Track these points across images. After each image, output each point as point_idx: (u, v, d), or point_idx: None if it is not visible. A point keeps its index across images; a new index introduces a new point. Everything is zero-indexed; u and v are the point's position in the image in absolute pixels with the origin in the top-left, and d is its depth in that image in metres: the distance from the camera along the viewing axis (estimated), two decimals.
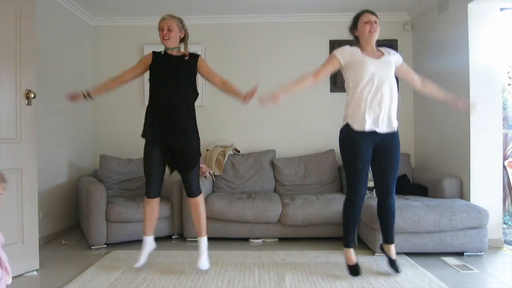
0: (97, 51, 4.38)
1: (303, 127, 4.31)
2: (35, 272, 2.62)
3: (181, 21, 2.63)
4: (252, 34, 4.33)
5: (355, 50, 2.41)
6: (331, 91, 4.28)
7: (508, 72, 4.51)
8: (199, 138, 2.66)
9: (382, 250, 2.65)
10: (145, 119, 2.66)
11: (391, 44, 4.03)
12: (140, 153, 4.10)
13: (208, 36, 4.31)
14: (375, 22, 2.39)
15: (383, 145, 2.42)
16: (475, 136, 3.19)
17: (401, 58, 2.51)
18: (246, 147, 4.22)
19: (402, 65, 2.51)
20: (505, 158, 3.88)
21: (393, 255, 2.56)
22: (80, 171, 4.02)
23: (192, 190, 2.60)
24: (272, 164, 4.07)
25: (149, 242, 2.69)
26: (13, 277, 2.50)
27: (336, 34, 4.22)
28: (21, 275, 2.57)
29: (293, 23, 4.30)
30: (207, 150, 4.06)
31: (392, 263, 2.55)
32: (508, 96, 4.61)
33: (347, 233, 2.54)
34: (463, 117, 3.27)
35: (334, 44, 4.18)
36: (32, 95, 2.61)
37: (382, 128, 2.37)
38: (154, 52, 2.65)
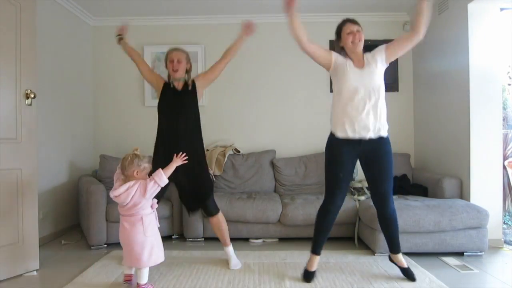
0: (97, 51, 4.37)
1: (303, 127, 4.31)
2: (35, 272, 2.62)
3: (188, 54, 2.70)
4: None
5: (344, 60, 2.38)
6: (331, 91, 4.25)
7: (508, 72, 4.51)
8: (206, 163, 2.72)
9: (391, 261, 2.56)
10: (155, 148, 2.67)
11: None
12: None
13: (208, 36, 4.31)
14: (358, 31, 2.36)
15: (371, 154, 2.36)
16: (475, 136, 3.18)
17: (383, 47, 2.39)
18: (246, 147, 4.22)
19: (388, 48, 2.39)
20: (505, 158, 3.89)
21: (404, 263, 2.48)
22: (80, 171, 4.02)
23: (210, 212, 2.67)
24: (272, 164, 4.07)
25: None
26: (13, 277, 2.52)
27: None
28: (21, 275, 2.56)
29: None
30: (207, 150, 4.06)
31: (405, 272, 2.46)
32: (508, 96, 4.62)
33: (317, 239, 2.48)
34: (463, 117, 3.28)
35: (334, 44, 4.18)
36: (32, 95, 2.61)
37: (366, 136, 2.31)
38: (165, 83, 2.69)
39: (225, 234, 2.71)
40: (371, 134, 2.31)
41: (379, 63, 2.36)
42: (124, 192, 2.18)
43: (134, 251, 2.20)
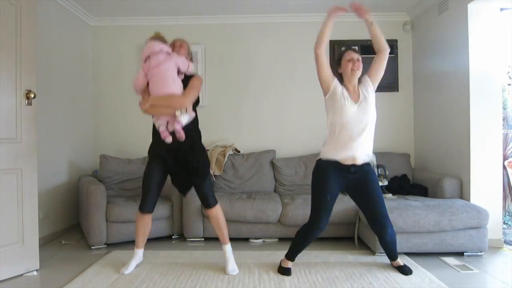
0: (97, 51, 4.37)
1: (303, 127, 4.31)
2: (35, 272, 2.62)
3: (190, 48, 2.74)
4: (252, 34, 4.32)
5: (341, 91, 2.42)
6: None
7: (508, 72, 4.51)
8: (204, 149, 2.69)
9: (392, 265, 2.67)
10: (153, 136, 2.63)
11: (391, 44, 4.02)
12: (140, 153, 4.14)
13: (208, 36, 4.31)
14: (358, 60, 2.42)
15: (359, 180, 2.44)
16: (475, 136, 3.19)
17: (367, 78, 2.48)
18: (246, 147, 4.22)
19: (371, 76, 2.48)
20: (505, 158, 3.89)
21: (400, 263, 2.62)
22: (80, 171, 4.02)
23: (208, 202, 2.63)
24: (272, 164, 4.07)
25: (140, 255, 2.73)
26: (13, 277, 2.52)
27: (336, 34, 4.19)
28: (21, 275, 2.56)
29: (293, 23, 4.30)
30: (207, 150, 4.06)
31: (401, 269, 2.58)
32: (508, 96, 4.62)
33: (295, 250, 2.59)
34: (463, 117, 3.28)
35: (334, 45, 4.19)
36: (32, 95, 2.61)
37: (353, 163, 2.39)
38: None
39: (224, 230, 2.65)
40: (360, 161, 2.40)
41: (371, 93, 2.45)
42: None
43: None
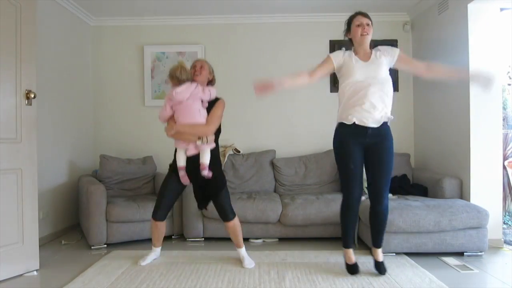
0: (97, 51, 4.37)
1: (303, 127, 4.31)
2: (35, 272, 2.62)
3: (211, 67, 2.83)
4: (252, 34, 4.33)
5: (348, 54, 2.44)
6: (331, 91, 4.27)
7: (508, 72, 4.51)
8: (221, 165, 2.83)
9: (371, 252, 2.64)
10: (175, 155, 2.77)
11: (391, 44, 4.02)
12: (140, 153, 4.15)
13: (208, 36, 4.31)
14: (368, 24, 2.41)
15: (375, 146, 2.42)
16: (475, 136, 3.18)
17: (397, 53, 2.45)
18: (246, 147, 4.22)
19: (400, 58, 2.46)
20: (505, 158, 3.89)
21: (380, 257, 2.56)
22: (80, 171, 4.02)
23: (226, 215, 2.72)
24: (272, 164, 4.07)
25: (157, 252, 2.89)
26: (13, 277, 2.52)
27: (336, 34, 4.19)
28: (21, 275, 2.56)
29: (293, 23, 4.30)
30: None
31: (377, 265, 2.55)
32: (508, 96, 4.62)
33: (346, 234, 2.56)
34: (463, 117, 3.28)
35: (334, 44, 4.19)
36: (32, 95, 2.61)
37: (370, 125, 2.36)
38: None
39: (240, 238, 2.78)
40: (375, 124, 2.36)
41: (387, 59, 2.42)
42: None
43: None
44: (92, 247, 3.18)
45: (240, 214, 3.29)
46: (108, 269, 2.66)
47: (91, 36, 4.35)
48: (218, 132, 2.73)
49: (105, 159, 3.81)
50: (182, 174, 2.64)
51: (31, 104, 2.62)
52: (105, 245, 3.22)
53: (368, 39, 2.41)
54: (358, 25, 2.40)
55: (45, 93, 3.30)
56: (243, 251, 2.78)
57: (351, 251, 2.56)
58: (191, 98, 2.57)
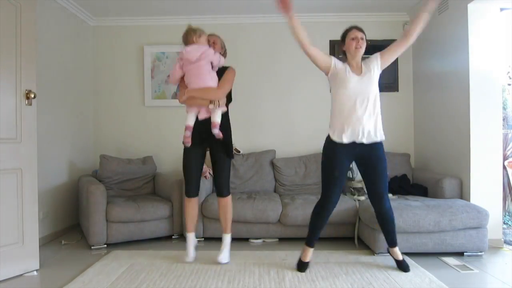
0: (97, 51, 4.37)
1: (303, 127, 4.31)
2: (35, 272, 2.62)
3: (223, 42, 2.88)
4: (252, 34, 4.33)
5: (343, 66, 2.50)
6: (331, 91, 4.26)
7: (508, 72, 4.51)
8: (231, 134, 2.84)
9: (389, 253, 2.71)
10: None
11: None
12: (140, 153, 4.15)
13: None
14: (362, 38, 2.48)
15: (366, 158, 2.51)
16: (475, 136, 3.18)
17: (377, 55, 2.53)
18: (246, 147, 4.22)
19: (383, 55, 2.53)
20: (505, 158, 3.89)
21: (399, 256, 2.62)
22: (80, 171, 4.02)
23: (223, 191, 2.81)
24: (272, 164, 4.07)
25: (192, 238, 2.88)
26: (13, 277, 2.52)
27: (336, 34, 4.14)
28: (21, 275, 2.56)
29: None
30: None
31: (399, 264, 2.61)
32: (508, 96, 4.62)
33: (312, 233, 2.62)
34: (463, 117, 3.28)
35: (334, 44, 4.19)
36: (32, 95, 2.61)
37: (362, 140, 2.45)
38: None
39: (228, 221, 2.83)
40: (364, 140, 2.45)
41: (376, 70, 2.50)
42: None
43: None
44: (92, 247, 3.18)
45: (240, 214, 3.30)
46: (108, 269, 2.66)
47: (91, 36, 4.35)
48: (229, 101, 2.77)
49: (105, 159, 3.81)
50: (188, 134, 2.65)
51: (31, 104, 2.62)
52: (105, 245, 3.21)
53: (361, 52, 2.49)
54: (353, 39, 2.48)
55: (45, 93, 3.30)
56: (227, 239, 2.81)
57: (311, 250, 2.63)
58: (202, 59, 2.58)
